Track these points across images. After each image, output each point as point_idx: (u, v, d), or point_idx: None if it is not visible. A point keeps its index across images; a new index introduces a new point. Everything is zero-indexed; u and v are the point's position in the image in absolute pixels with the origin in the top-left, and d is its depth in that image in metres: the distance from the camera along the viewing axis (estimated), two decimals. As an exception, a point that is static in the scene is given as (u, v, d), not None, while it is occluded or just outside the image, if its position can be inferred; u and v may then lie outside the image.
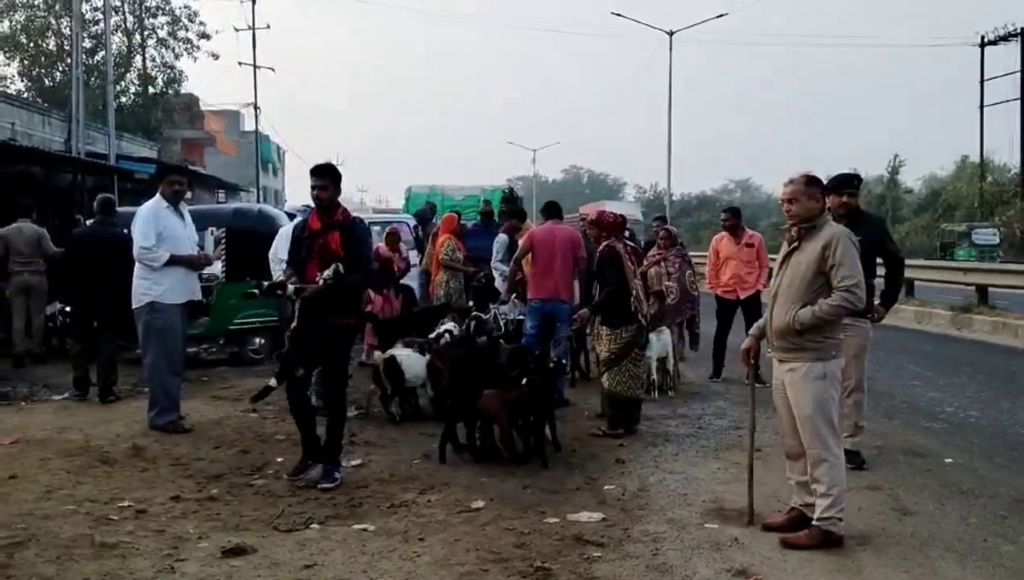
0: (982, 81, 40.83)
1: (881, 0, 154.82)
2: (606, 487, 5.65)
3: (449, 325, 8.55)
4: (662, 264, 9.67)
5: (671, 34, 36.85)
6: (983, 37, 40.68)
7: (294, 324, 5.80)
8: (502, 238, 9.86)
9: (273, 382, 5.70)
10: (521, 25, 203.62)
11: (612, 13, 35.81)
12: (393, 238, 11.04)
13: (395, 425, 7.43)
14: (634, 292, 7.17)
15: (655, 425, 7.45)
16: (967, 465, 6.28)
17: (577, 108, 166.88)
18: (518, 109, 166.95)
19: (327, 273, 5.44)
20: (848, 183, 6.15)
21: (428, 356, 7.59)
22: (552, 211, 8.62)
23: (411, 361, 7.47)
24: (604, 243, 7.23)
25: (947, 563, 4.42)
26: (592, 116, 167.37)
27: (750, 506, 5.01)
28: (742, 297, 9.58)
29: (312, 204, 5.85)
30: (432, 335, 8.33)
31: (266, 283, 5.95)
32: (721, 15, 37.77)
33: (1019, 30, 38.94)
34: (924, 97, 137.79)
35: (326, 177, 5.67)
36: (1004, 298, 16.51)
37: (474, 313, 8.99)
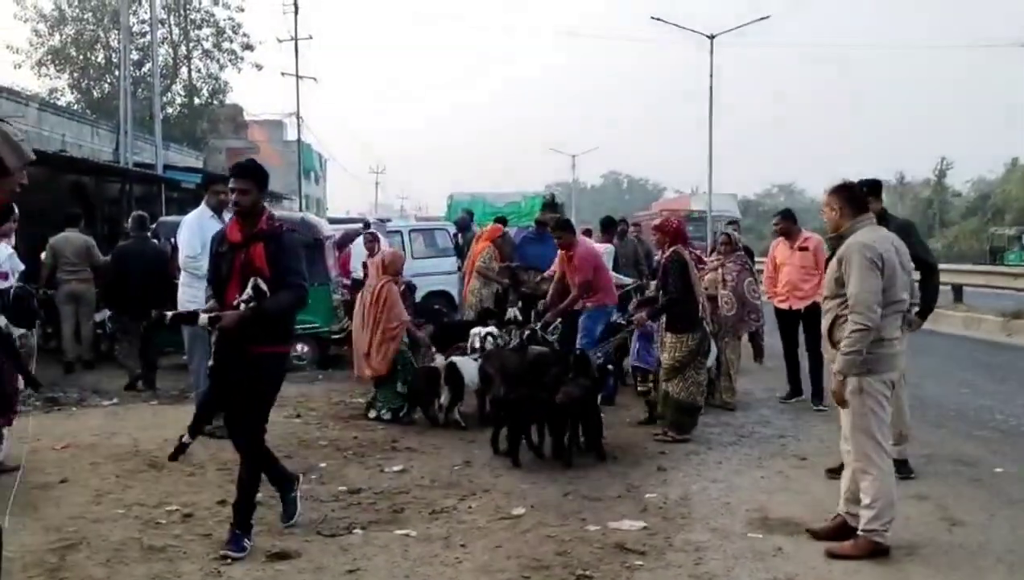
0: (1032, 82, 39.99)
1: (927, 3, 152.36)
2: (648, 495, 5.62)
3: (491, 329, 8.56)
4: (719, 270, 8.83)
5: (712, 38, 36.55)
6: (1033, 38, 39.85)
7: (211, 362, 4.73)
8: (609, 248, 10.04)
9: (187, 438, 5.15)
10: (561, 31, 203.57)
11: (652, 18, 35.65)
12: (371, 245, 10.31)
13: (437, 431, 7.48)
14: (700, 299, 7.29)
15: (697, 433, 7.37)
16: (1017, 475, 6.16)
17: (617, 113, 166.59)
18: (558, 114, 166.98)
19: (245, 294, 4.53)
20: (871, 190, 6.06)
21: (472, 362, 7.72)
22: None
23: (468, 367, 7.62)
24: (670, 249, 7.24)
25: (997, 574, 4.35)
26: (632, 121, 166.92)
27: None
28: (795, 307, 8.56)
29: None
30: (473, 341, 8.37)
31: (169, 314, 4.95)
32: (763, 18, 37.31)
33: (1070, 30, 38.12)
34: (972, 99, 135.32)
35: (246, 178, 4.69)
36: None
37: (530, 325, 8.80)
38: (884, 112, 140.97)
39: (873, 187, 6.10)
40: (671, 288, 7.10)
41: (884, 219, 5.95)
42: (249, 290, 4.52)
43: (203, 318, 4.59)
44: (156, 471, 6.13)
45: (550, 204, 18.10)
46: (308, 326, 10.50)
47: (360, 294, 8.22)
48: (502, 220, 12.15)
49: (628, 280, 9.82)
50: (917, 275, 5.96)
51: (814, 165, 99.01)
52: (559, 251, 8.80)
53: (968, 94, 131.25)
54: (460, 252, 13.38)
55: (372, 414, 7.88)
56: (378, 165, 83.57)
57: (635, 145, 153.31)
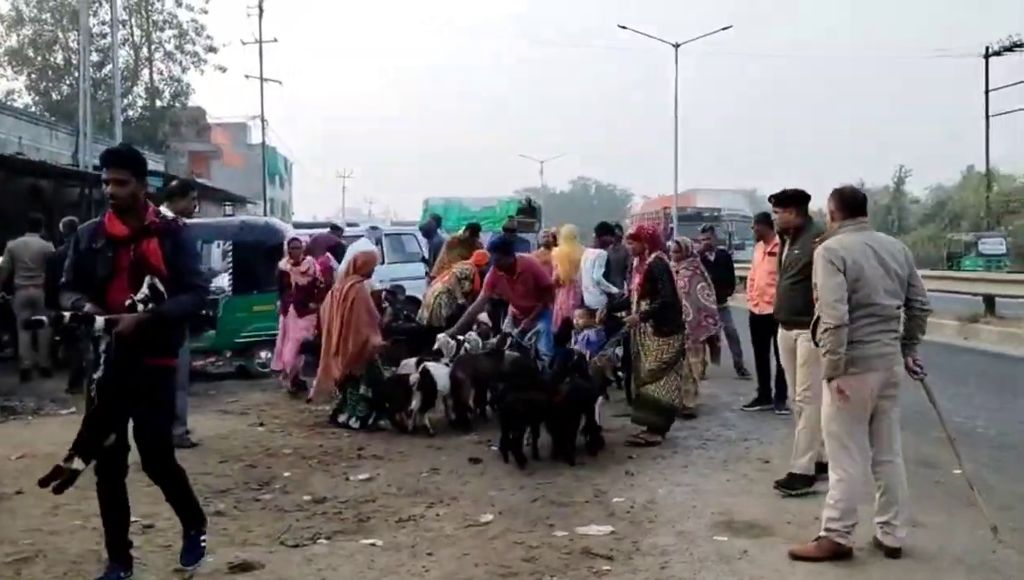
0: (987, 91, 40.73)
1: (887, 12, 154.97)
2: (615, 499, 5.63)
3: (470, 335, 8.54)
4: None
5: (677, 46, 36.93)
6: (987, 48, 40.61)
7: (98, 374, 4.03)
8: (602, 253, 10.00)
9: (78, 464, 4.02)
10: (529, 38, 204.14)
11: (619, 26, 35.93)
12: (296, 250, 9.85)
13: (403, 438, 7.43)
14: (682, 303, 7.50)
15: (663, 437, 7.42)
16: (976, 476, 6.24)
17: (584, 120, 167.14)
18: (526, 121, 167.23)
19: (139, 294, 4.00)
20: (778, 200, 6.27)
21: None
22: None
23: (442, 373, 7.59)
24: (654, 254, 7.36)
25: (956, 574, 4.41)
26: (599, 127, 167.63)
27: None
28: (763, 312, 8.12)
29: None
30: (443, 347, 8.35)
31: (66, 314, 4.05)
32: (726, 27, 37.75)
33: (1023, 41, 38.92)
34: (930, 107, 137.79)
35: (122, 167, 4.15)
36: (1011, 308, 16.44)
37: (506, 331, 8.85)
38: (844, 120, 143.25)
39: (791, 198, 6.20)
40: (661, 291, 7.19)
41: (798, 229, 6.06)
42: (145, 290, 4.01)
43: (100, 321, 3.94)
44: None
45: (527, 208, 18.05)
46: (271, 332, 10.40)
47: (329, 296, 8.09)
48: (477, 227, 12.04)
49: (615, 289, 9.86)
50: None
51: (776, 171, 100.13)
52: (494, 271, 8.88)
53: (927, 103, 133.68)
54: (425, 259, 13.31)
55: (341, 418, 7.80)
56: (345, 169, 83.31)
57: (603, 151, 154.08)
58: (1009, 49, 39.57)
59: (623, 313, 7.85)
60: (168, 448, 4.37)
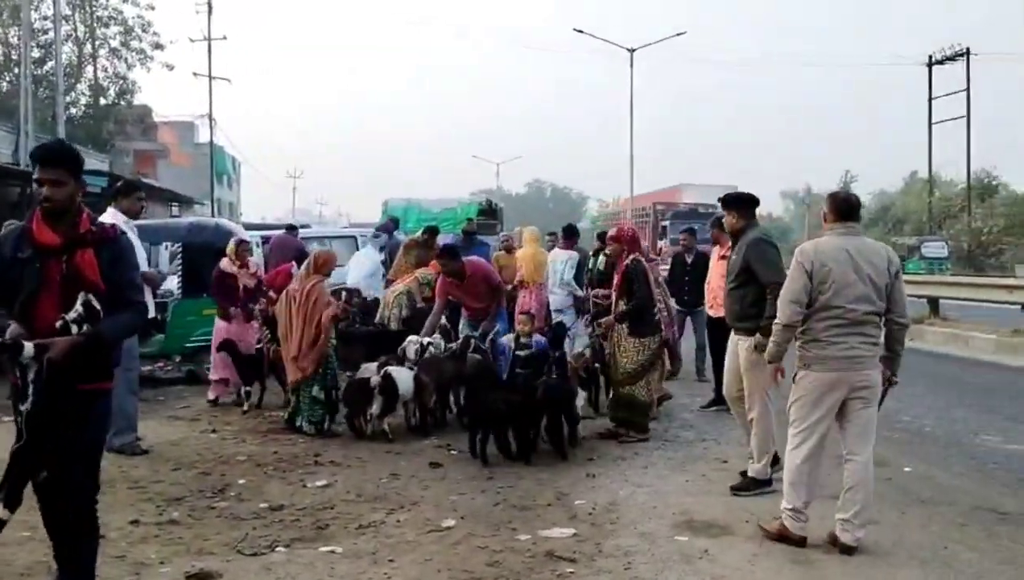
0: (930, 99, 41.82)
1: (835, 21, 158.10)
2: (577, 502, 5.64)
3: (433, 339, 8.49)
4: None
5: (632, 52, 37.28)
6: (931, 57, 41.68)
7: (26, 405, 3.46)
8: (574, 255, 9.97)
9: (3, 513, 3.53)
10: (484, 39, 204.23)
11: (575, 30, 36.14)
12: (242, 251, 9.41)
13: (361, 443, 7.35)
14: (658, 304, 7.53)
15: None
16: (925, 474, 6.39)
17: (540, 123, 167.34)
18: (481, 123, 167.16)
19: (72, 314, 3.47)
20: (723, 203, 6.43)
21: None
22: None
23: (403, 377, 7.51)
24: (632, 256, 7.46)
25: (909, 570, 4.50)
26: (555, 131, 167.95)
27: None
28: (718, 315, 8.12)
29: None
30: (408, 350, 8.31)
31: None
32: (680, 33, 38.29)
33: (965, 51, 40.01)
34: (876, 114, 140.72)
35: (58, 165, 3.65)
36: (954, 310, 16.87)
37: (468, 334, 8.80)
38: (792, 126, 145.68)
39: (732, 201, 6.32)
40: (636, 293, 7.29)
41: (741, 233, 6.12)
42: (79, 308, 3.47)
43: (28, 347, 3.37)
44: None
45: (488, 210, 17.89)
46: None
47: (284, 297, 7.94)
48: (435, 230, 11.96)
49: (581, 292, 9.93)
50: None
51: (727, 176, 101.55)
52: (444, 277, 8.89)
53: (872, 109, 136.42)
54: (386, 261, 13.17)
55: (297, 422, 7.68)
56: (295, 169, 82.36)
57: (558, 154, 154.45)
58: (951, 59, 40.65)
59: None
60: (94, 493, 3.70)
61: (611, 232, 8.15)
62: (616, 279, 7.65)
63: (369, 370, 7.63)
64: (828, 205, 4.98)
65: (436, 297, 9.09)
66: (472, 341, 8.28)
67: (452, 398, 8.17)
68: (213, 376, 9.22)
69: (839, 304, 4.68)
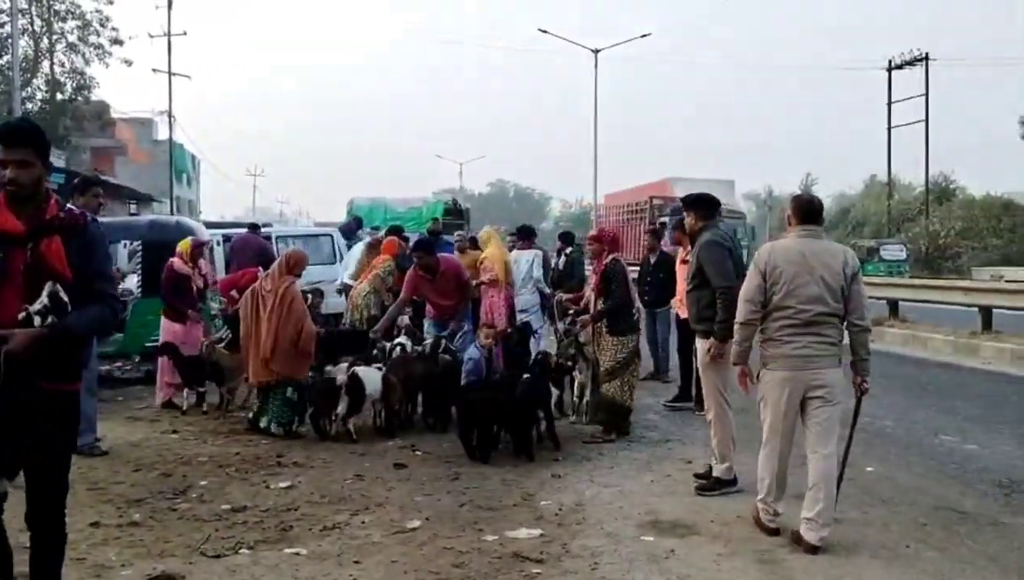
0: (889, 103, 42.52)
1: (797, 25, 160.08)
2: (543, 502, 5.63)
3: (403, 340, 8.46)
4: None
5: (596, 52, 37.45)
6: (891, 61, 42.39)
7: None
8: (539, 253, 10.11)
9: None
10: (448, 39, 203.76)
11: (539, 30, 36.24)
12: (196, 252, 9.29)
13: (325, 444, 7.30)
14: (636, 304, 7.68)
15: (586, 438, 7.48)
16: (886, 474, 6.47)
17: (503, 123, 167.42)
18: (445, 122, 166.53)
19: (37, 305, 3.24)
20: (683, 203, 6.53)
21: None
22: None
23: (371, 377, 7.47)
24: (611, 256, 7.55)
25: (873, 569, 4.54)
26: (519, 131, 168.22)
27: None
28: (683, 316, 8.42)
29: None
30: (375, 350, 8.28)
31: None
32: (645, 35, 38.50)
33: (924, 56, 40.76)
34: (836, 118, 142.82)
35: (24, 145, 3.37)
36: (913, 311, 17.14)
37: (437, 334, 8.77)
38: (755, 128, 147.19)
39: (691, 202, 6.43)
40: (615, 292, 7.37)
41: (699, 235, 6.17)
42: (44, 299, 3.24)
43: None
44: (21, 493, 5.72)
45: (453, 210, 17.84)
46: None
47: (250, 296, 7.81)
48: (398, 229, 11.91)
49: (548, 289, 9.98)
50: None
51: (689, 177, 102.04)
52: (415, 271, 8.84)
53: (832, 112, 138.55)
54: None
55: (262, 424, 7.58)
56: (256, 167, 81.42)
57: (522, 154, 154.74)
58: (910, 63, 41.38)
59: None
60: (64, 500, 3.50)
61: (591, 232, 8.22)
62: (594, 279, 7.72)
63: (340, 370, 7.53)
64: (791, 208, 5.07)
65: (403, 290, 9.02)
66: (443, 341, 8.25)
67: (420, 399, 8.15)
68: (164, 378, 9.04)
69: (790, 304, 4.78)
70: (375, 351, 8.34)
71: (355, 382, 7.30)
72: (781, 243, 4.99)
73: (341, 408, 7.34)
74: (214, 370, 8.62)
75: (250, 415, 7.77)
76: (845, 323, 4.89)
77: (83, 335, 3.45)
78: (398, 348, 8.14)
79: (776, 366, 4.88)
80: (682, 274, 8.55)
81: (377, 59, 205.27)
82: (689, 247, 8.61)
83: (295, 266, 7.79)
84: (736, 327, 5.02)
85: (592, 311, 7.64)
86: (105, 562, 4.50)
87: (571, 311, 8.77)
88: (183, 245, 9.14)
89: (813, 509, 4.77)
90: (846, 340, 4.94)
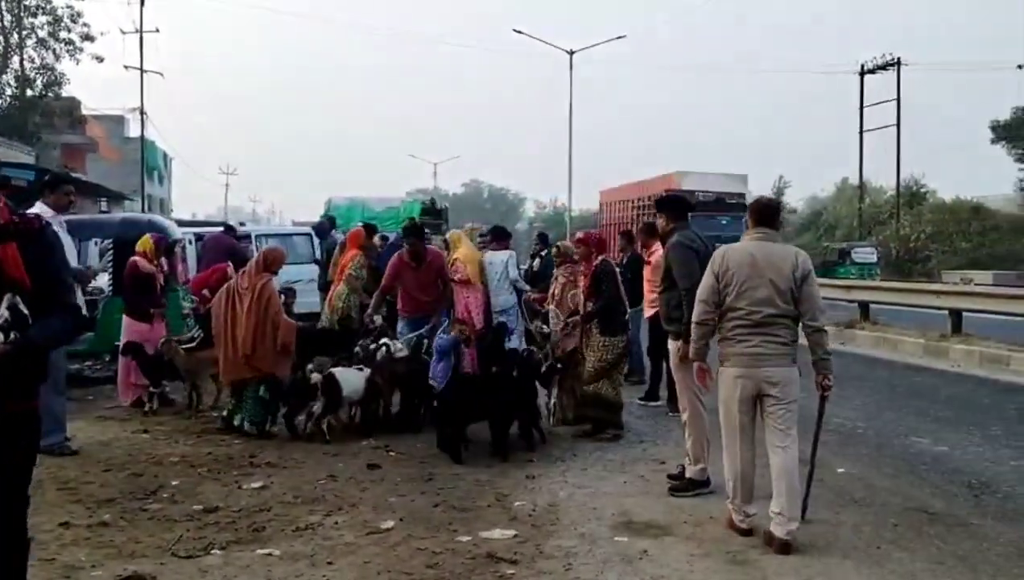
0: (861, 107, 42.98)
1: (772, 30, 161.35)
2: (517, 503, 5.63)
3: (388, 341, 8.42)
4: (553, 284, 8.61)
5: (571, 53, 37.53)
6: (863, 66, 42.84)
7: None
8: (513, 254, 10.11)
9: None
10: (422, 38, 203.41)
11: (514, 31, 36.28)
12: (154, 248, 9.13)
13: (298, 444, 7.25)
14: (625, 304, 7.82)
15: (562, 440, 7.49)
16: (858, 475, 6.53)
17: (478, 123, 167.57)
18: (419, 122, 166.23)
19: None
20: (655, 204, 6.59)
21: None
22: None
23: (349, 378, 7.47)
24: (601, 257, 7.74)
25: (844, 570, 4.58)
26: (493, 131, 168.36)
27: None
28: (649, 316, 9.01)
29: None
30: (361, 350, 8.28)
31: None
32: (619, 37, 38.65)
33: (896, 60, 41.23)
34: (809, 121, 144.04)
35: None
36: (884, 314, 17.32)
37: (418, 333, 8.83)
38: (729, 130, 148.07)
39: (660, 203, 6.52)
40: (607, 293, 7.48)
41: (669, 236, 6.20)
42: (4, 313, 3.05)
43: None
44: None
45: (431, 209, 17.64)
46: (156, 334, 9.97)
47: (224, 294, 7.74)
48: (371, 228, 11.90)
49: (528, 288, 10.09)
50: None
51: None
52: (400, 258, 8.94)
53: (806, 116, 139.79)
54: (318, 261, 13.03)
55: (236, 422, 7.51)
56: (228, 166, 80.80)
57: (496, 155, 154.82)
58: (883, 68, 41.84)
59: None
60: (26, 506, 3.31)
61: (578, 235, 8.36)
62: (584, 282, 7.82)
63: (318, 370, 7.52)
64: (749, 211, 5.26)
65: (385, 278, 9.10)
66: (424, 342, 8.27)
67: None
68: (130, 378, 8.93)
69: (741, 305, 4.93)
70: (357, 350, 8.30)
71: (331, 382, 7.27)
72: (736, 246, 5.11)
73: (316, 407, 7.30)
74: (172, 369, 8.59)
75: (224, 414, 7.70)
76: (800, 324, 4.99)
77: (47, 348, 3.31)
78: (383, 349, 8.10)
79: (730, 364, 5.03)
80: (646, 275, 9.01)
81: (351, 58, 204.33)
82: (653, 249, 8.88)
83: (272, 263, 7.75)
84: (693, 326, 5.15)
85: (583, 312, 7.74)
86: (75, 563, 4.45)
87: (543, 310, 8.84)
88: (144, 243, 9.07)
89: (779, 503, 4.87)
90: (803, 340, 5.03)
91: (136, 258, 8.93)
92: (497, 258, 9.81)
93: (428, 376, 7.91)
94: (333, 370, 7.40)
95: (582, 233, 8.46)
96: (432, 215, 17.61)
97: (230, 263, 10.60)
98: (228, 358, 7.57)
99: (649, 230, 9.20)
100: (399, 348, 8.24)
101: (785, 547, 4.77)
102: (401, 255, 8.94)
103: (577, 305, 7.97)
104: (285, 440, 7.38)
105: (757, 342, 4.91)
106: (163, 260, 9.40)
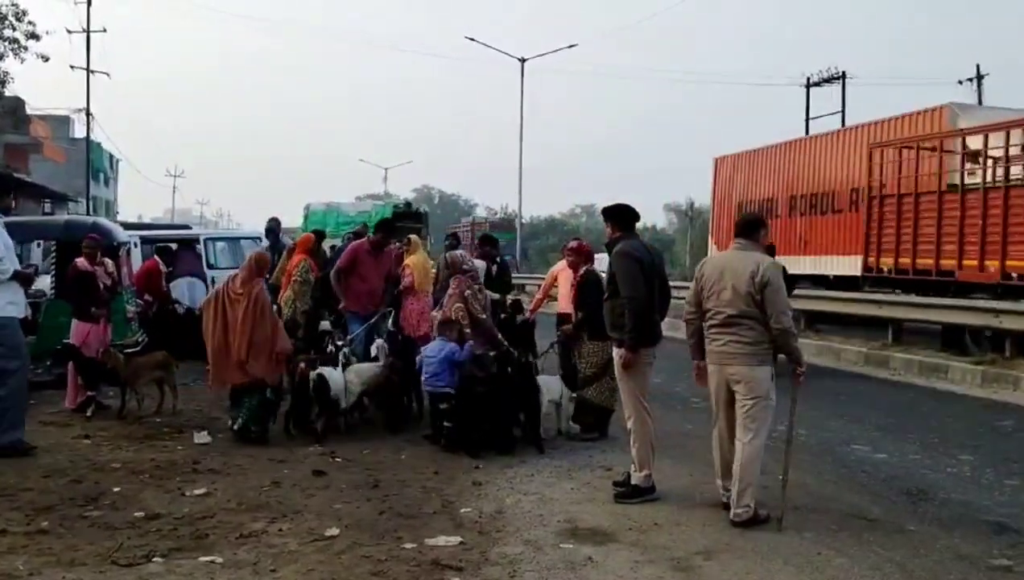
0: (807, 119, 43.70)
1: (720, 40, 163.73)
2: (463, 510, 5.64)
3: (378, 341, 8.58)
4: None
5: (523, 61, 37.68)
6: (808, 78, 43.57)
7: None
8: (480, 264, 10.17)
9: None
10: (373, 43, 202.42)
11: (466, 38, 36.36)
12: (94, 249, 9.13)
13: (243, 450, 7.17)
14: None
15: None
16: (799, 482, 6.60)
17: (429, 129, 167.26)
18: (370, 127, 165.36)
19: None
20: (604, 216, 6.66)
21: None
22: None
23: (335, 378, 7.60)
24: (584, 267, 8.13)
25: (786, 575, 4.66)
26: (445, 137, 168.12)
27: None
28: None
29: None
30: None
31: None
32: (571, 46, 38.94)
33: (840, 73, 42.06)
34: (755, 130, 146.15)
35: None
36: (827, 323, 17.59)
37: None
38: (677, 140, 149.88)
39: (606, 212, 6.52)
40: (593, 302, 7.51)
41: (615, 245, 6.25)
42: None
43: None
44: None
45: (409, 213, 17.06)
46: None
47: (214, 299, 7.71)
48: (319, 233, 11.83)
49: (496, 295, 10.12)
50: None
51: (612, 188, 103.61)
52: (362, 245, 9.49)
53: (754, 126, 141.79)
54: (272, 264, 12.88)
55: (237, 425, 7.54)
56: (176, 168, 79.67)
57: (448, 161, 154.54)
58: (828, 80, 42.63)
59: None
60: None
61: (572, 245, 8.61)
62: (572, 291, 8.27)
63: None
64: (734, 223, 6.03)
65: (341, 260, 9.49)
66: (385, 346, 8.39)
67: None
68: (78, 382, 8.80)
69: (711, 307, 5.60)
70: (329, 350, 8.28)
71: (321, 383, 7.41)
72: (714, 255, 5.72)
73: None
74: (110, 374, 8.52)
75: (239, 423, 7.59)
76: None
77: None
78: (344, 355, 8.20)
79: (708, 359, 5.69)
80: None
81: (301, 61, 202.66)
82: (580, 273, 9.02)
83: (264, 268, 7.87)
84: (685, 325, 5.85)
85: (573, 321, 8.06)
86: (12, 571, 4.36)
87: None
88: (86, 242, 9.10)
89: (733, 490, 5.49)
90: None
91: (79, 258, 8.88)
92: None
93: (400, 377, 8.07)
94: (322, 370, 7.52)
95: (576, 242, 8.63)
96: (411, 218, 17.02)
97: (156, 257, 10.58)
98: (220, 363, 7.54)
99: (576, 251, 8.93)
100: (381, 346, 8.39)
101: (736, 523, 5.40)
102: (362, 243, 9.44)
103: (460, 317, 7.95)
104: (230, 446, 7.29)
105: (726, 341, 5.51)
106: (108, 262, 9.29)
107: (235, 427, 7.54)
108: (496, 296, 10.00)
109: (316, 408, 7.58)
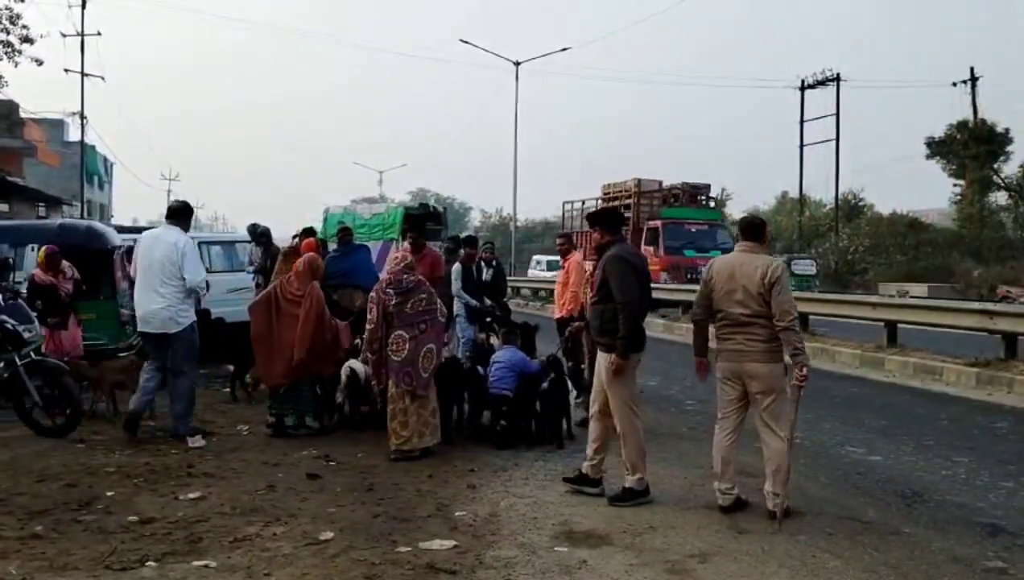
0: (802, 122, 43.79)
1: (713, 44, 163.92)
2: (457, 513, 5.63)
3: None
4: None
5: (517, 64, 37.77)
6: (803, 81, 43.65)
7: None
8: (457, 266, 10.31)
9: None
10: (369, 47, 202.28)
11: (461, 40, 36.40)
12: (53, 260, 9.20)
13: (237, 454, 7.16)
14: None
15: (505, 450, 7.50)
16: (794, 484, 6.59)
17: (425, 132, 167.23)
18: (365, 130, 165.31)
19: None
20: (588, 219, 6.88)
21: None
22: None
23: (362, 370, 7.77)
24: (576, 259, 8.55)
25: (780, 578, 4.66)
26: (440, 140, 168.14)
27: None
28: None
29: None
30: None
31: None
32: (565, 48, 39.01)
33: (835, 76, 42.13)
34: (750, 134, 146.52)
35: None
36: (822, 325, 17.65)
37: None
38: (673, 141, 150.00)
39: (592, 217, 6.61)
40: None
41: (606, 249, 6.25)
42: None
43: None
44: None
45: (428, 214, 16.79)
46: (94, 343, 9.79)
47: (264, 301, 8.01)
48: (311, 231, 11.81)
49: (474, 302, 10.13)
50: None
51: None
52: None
53: (748, 129, 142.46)
54: (263, 269, 12.82)
55: (289, 422, 7.86)
56: (171, 171, 79.56)
57: (443, 164, 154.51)
58: (822, 83, 42.70)
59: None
60: None
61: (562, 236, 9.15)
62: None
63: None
64: (738, 226, 6.14)
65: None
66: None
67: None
68: None
69: (722, 308, 5.78)
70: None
71: (354, 378, 7.67)
72: (723, 257, 5.97)
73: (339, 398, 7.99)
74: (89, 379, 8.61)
75: (269, 423, 7.95)
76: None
77: None
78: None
79: (720, 358, 5.84)
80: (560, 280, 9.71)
81: (296, 65, 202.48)
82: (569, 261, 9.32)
83: (318, 271, 8.20)
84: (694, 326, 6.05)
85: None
86: (5, 576, 4.34)
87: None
88: (39, 256, 9.21)
89: (768, 484, 5.71)
90: None
91: (35, 271, 9.10)
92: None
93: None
94: (351, 364, 7.71)
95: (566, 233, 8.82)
96: (433, 220, 16.72)
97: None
98: (274, 362, 7.84)
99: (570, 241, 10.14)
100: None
101: (772, 515, 5.58)
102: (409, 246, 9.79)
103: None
104: (223, 450, 7.27)
105: (739, 340, 5.71)
106: (67, 269, 9.37)
107: (290, 423, 7.86)
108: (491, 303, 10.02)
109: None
